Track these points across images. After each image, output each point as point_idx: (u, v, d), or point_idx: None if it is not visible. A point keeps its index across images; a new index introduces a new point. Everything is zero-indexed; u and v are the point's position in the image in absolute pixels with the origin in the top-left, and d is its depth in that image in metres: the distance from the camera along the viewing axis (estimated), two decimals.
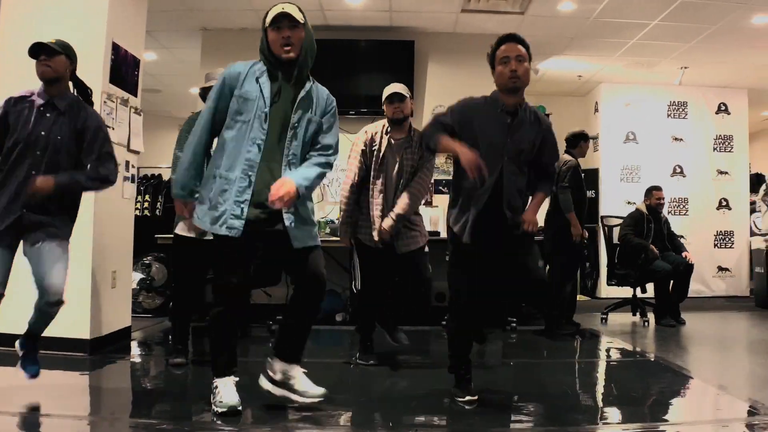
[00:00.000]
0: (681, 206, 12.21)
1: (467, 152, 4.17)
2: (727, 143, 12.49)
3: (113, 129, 6.36)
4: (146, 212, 9.97)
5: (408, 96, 5.71)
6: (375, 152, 5.71)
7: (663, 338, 7.69)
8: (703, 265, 12.00)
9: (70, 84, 4.72)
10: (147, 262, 9.06)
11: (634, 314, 8.98)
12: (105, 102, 6.24)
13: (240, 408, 4.25)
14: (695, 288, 12.00)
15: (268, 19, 4.17)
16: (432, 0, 8.76)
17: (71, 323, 6.04)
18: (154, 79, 11.32)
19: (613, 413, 4.69)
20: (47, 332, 4.74)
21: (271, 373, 4.49)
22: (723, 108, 12.53)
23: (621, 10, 8.81)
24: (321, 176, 4.28)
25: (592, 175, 11.74)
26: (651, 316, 8.73)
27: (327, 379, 5.62)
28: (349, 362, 5.91)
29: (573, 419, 4.42)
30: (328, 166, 4.32)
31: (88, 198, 6.06)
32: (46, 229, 4.44)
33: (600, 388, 5.38)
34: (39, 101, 4.51)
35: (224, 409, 4.21)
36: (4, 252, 4.40)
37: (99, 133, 4.61)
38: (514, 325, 7.83)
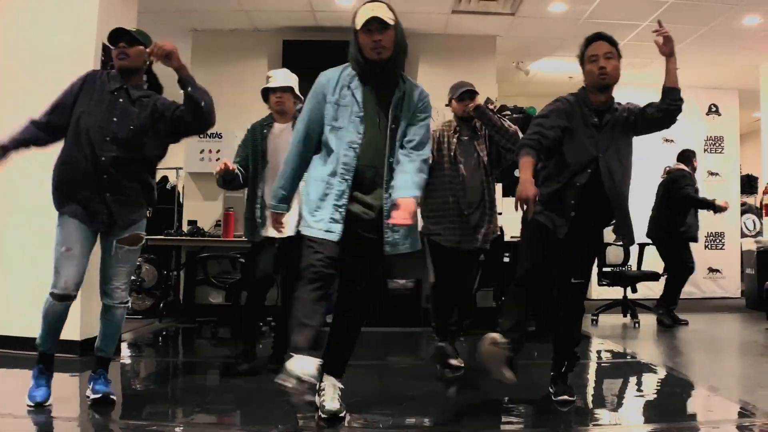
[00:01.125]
0: None
1: (523, 188, 4.20)
2: (717, 144, 12.53)
3: None
4: None
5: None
6: (446, 151, 5.80)
7: (654, 340, 7.73)
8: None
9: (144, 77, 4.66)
10: (137, 263, 9.05)
11: (625, 315, 9.01)
12: None
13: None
14: (686, 289, 11.97)
15: (358, 23, 4.14)
16: (423, 1, 8.77)
17: None
18: None
19: (604, 415, 4.70)
20: (36, 333, 4.71)
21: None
22: (714, 109, 12.58)
23: (612, 11, 8.85)
24: (425, 177, 4.22)
25: None
26: (642, 317, 8.75)
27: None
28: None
29: (563, 421, 4.44)
30: (427, 163, 4.28)
31: None
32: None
33: (591, 390, 5.39)
34: (113, 85, 4.46)
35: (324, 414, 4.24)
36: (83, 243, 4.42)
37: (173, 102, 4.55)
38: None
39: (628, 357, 6.55)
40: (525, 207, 4.20)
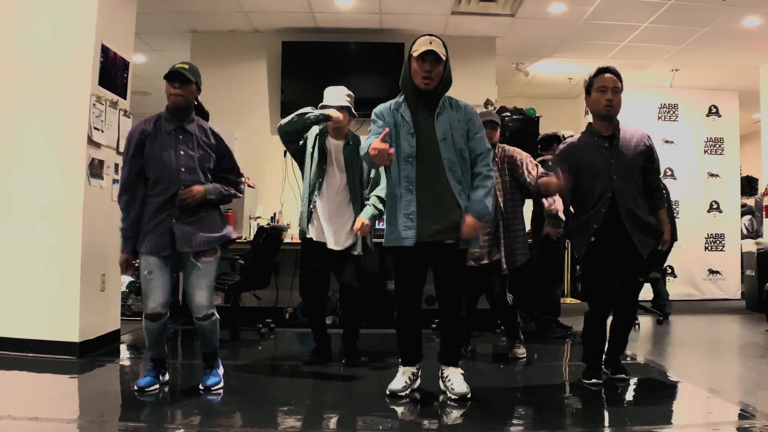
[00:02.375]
0: (673, 209, 12.22)
1: (554, 181, 5.04)
2: (717, 146, 12.52)
3: (102, 132, 6.37)
4: None
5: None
6: None
7: (654, 341, 7.73)
8: (693, 268, 12.08)
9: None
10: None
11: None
12: (94, 104, 6.26)
13: (402, 393, 4.87)
14: (686, 291, 12.07)
15: (416, 51, 4.74)
16: (422, 2, 8.78)
17: (60, 326, 6.07)
18: (144, 81, 11.31)
19: (603, 417, 4.70)
20: (35, 335, 4.75)
21: (440, 374, 4.98)
22: (714, 110, 12.57)
23: (611, 12, 8.85)
24: (490, 189, 4.83)
25: None
26: (642, 319, 8.75)
27: (316, 382, 5.64)
28: (339, 366, 5.93)
29: (562, 423, 4.44)
30: (491, 172, 4.85)
31: (77, 200, 6.09)
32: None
33: (590, 392, 5.39)
34: (169, 126, 4.95)
35: (387, 392, 4.90)
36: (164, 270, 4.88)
37: (228, 150, 5.15)
38: (504, 328, 7.82)
39: (627, 358, 6.54)
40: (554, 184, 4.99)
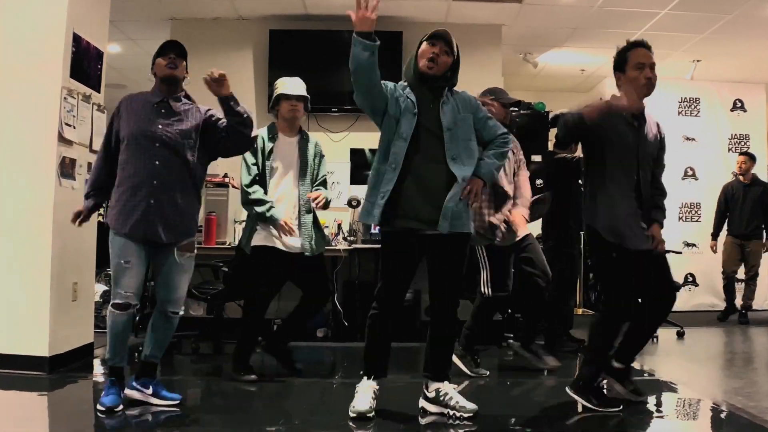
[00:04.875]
0: (693, 211, 12.23)
1: (619, 100, 4.93)
2: (743, 143, 12.51)
3: (74, 128, 6.38)
4: None
5: None
6: None
7: (672, 355, 7.75)
8: (716, 276, 12.01)
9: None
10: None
11: None
12: (65, 98, 6.27)
13: (370, 415, 4.73)
14: (708, 301, 12.04)
15: (427, 37, 4.93)
16: None
17: (28, 339, 6.08)
18: (119, 73, 11.33)
19: None
20: (1, 349, 4.78)
21: (426, 391, 4.95)
22: (739, 105, 12.60)
23: None
24: (502, 164, 5.08)
25: None
26: (660, 332, 8.76)
27: (308, 399, 5.67)
28: (332, 381, 5.95)
29: None
30: (508, 151, 5.10)
31: (46, 203, 6.10)
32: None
33: (605, 414, 5.40)
34: (154, 99, 5.11)
35: (353, 415, 4.73)
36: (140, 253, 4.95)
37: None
38: (511, 341, 7.84)
39: (645, 375, 6.57)
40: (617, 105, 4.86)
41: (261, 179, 6.05)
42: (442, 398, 4.81)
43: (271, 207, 5.90)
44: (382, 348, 4.93)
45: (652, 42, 9.85)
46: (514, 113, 9.14)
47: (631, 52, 5.13)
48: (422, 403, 4.92)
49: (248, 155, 6.01)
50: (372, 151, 9.34)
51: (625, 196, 4.95)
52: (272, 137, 6.10)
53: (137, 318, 8.43)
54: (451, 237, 4.72)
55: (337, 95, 9.48)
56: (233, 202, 8.76)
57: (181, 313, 5.09)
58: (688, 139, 12.23)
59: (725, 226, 11.00)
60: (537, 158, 8.54)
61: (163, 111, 5.03)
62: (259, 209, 5.90)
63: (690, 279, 11.81)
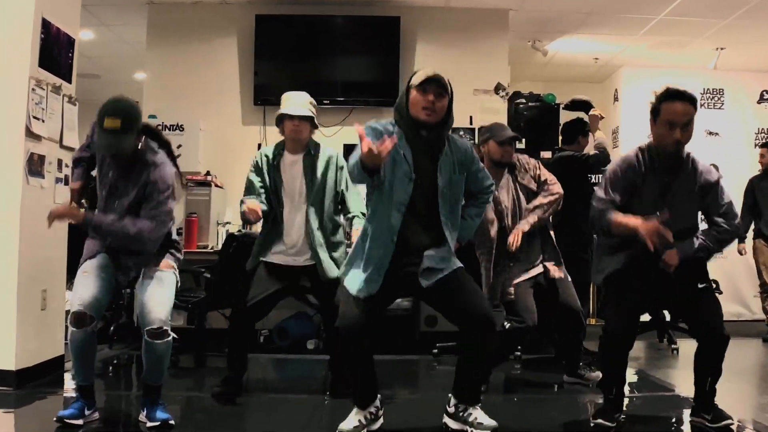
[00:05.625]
0: None
1: (643, 224, 4.67)
2: None
3: (43, 122, 6.38)
4: None
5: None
6: None
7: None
8: (742, 282, 12.00)
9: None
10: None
11: (661, 341, 9.03)
12: (33, 89, 6.26)
13: None
14: (734, 310, 12.00)
15: (415, 80, 4.71)
16: None
17: None
18: (92, 62, 11.33)
19: None
20: None
21: (447, 406, 4.96)
22: (766, 96, 12.60)
23: None
24: (482, 213, 5.35)
25: None
26: (681, 343, 8.77)
27: (299, 416, 5.68)
28: (324, 397, 5.96)
29: None
30: (488, 203, 5.34)
31: (12, 203, 6.09)
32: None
33: (622, 428, 5.42)
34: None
35: None
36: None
37: (155, 188, 4.95)
38: (519, 354, 7.85)
39: (664, 391, 6.58)
40: (658, 239, 4.64)
41: (267, 197, 6.11)
42: (461, 414, 4.85)
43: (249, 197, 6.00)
44: (364, 377, 4.95)
45: (672, 28, 9.89)
46: (521, 105, 9.16)
47: (665, 104, 4.84)
48: (444, 418, 4.97)
49: (251, 174, 6.13)
50: None
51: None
52: (277, 154, 6.13)
53: (112, 328, 8.45)
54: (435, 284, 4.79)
55: (329, 86, 9.50)
56: (216, 202, 8.79)
57: (165, 337, 4.85)
58: (711, 133, 12.22)
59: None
60: (546, 155, 8.55)
61: (110, 173, 5.04)
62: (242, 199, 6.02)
63: (714, 286, 11.77)
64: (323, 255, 5.97)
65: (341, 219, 6.25)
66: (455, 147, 4.88)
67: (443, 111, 4.73)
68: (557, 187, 6.44)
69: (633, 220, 4.71)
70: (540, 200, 6.36)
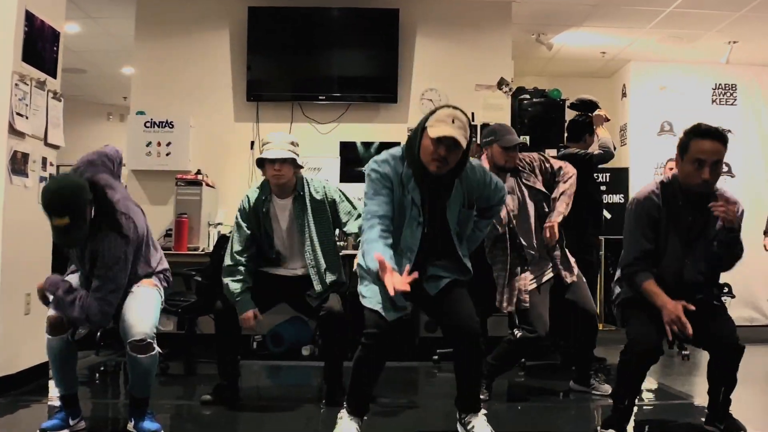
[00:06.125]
0: None
1: (670, 309, 4.70)
2: None
3: (26, 118, 6.38)
4: None
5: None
6: None
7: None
8: (755, 286, 11.98)
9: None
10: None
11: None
12: (16, 85, 6.27)
13: None
14: (746, 315, 12.00)
15: (432, 128, 4.60)
16: None
17: None
18: (78, 56, 11.32)
19: None
20: None
21: (457, 415, 5.02)
22: None
23: None
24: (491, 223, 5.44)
25: (620, 175, 11.60)
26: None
27: (293, 425, 5.67)
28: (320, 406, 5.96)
29: None
30: (498, 213, 5.48)
31: None
32: None
33: None
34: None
35: None
36: None
37: (104, 255, 4.85)
38: (524, 360, 7.84)
39: (674, 399, 6.58)
40: (681, 329, 4.67)
41: (254, 241, 6.17)
42: (465, 423, 4.91)
43: (243, 292, 5.98)
44: (371, 381, 4.95)
45: (682, 21, 9.90)
46: (525, 101, 9.17)
47: (694, 141, 4.81)
48: (458, 425, 5.00)
49: (239, 217, 6.20)
50: (365, 144, 9.36)
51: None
52: (264, 200, 6.16)
53: (98, 334, 8.44)
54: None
55: (325, 81, 9.50)
56: (207, 202, 8.77)
57: (150, 351, 4.83)
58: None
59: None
60: (552, 152, 8.54)
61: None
62: (234, 288, 5.98)
63: (725, 290, 11.78)
64: (321, 274, 6.09)
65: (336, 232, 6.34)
66: (464, 176, 4.85)
67: (455, 161, 4.67)
68: (570, 168, 6.50)
69: (661, 299, 4.77)
70: (562, 187, 6.42)
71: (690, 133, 4.87)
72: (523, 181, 6.37)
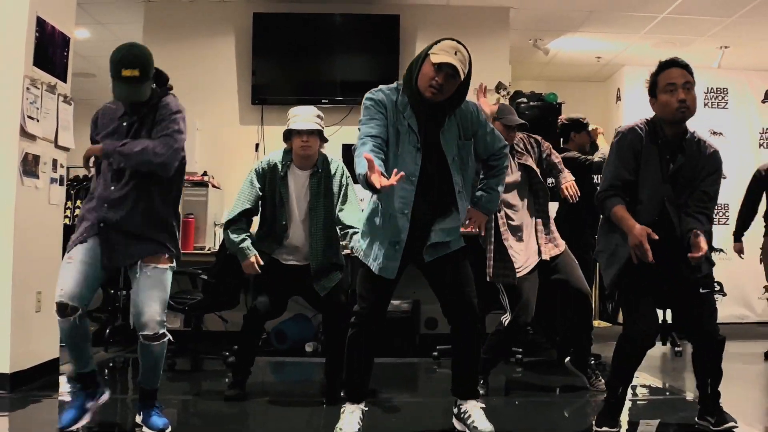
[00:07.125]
0: (721, 214, 12.17)
1: (635, 234, 4.65)
2: None
3: (38, 121, 6.38)
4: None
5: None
6: None
7: None
8: (746, 284, 11.96)
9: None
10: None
11: (664, 343, 9.03)
12: (28, 89, 6.26)
13: None
14: (737, 312, 12.00)
15: (434, 55, 4.60)
16: None
17: None
18: (88, 61, 11.32)
19: None
20: None
21: (454, 408, 5.05)
22: None
23: None
24: (503, 180, 5.16)
25: None
26: (684, 346, 8.76)
27: (296, 421, 5.67)
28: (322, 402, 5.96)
29: None
30: (505, 167, 5.13)
31: (7, 204, 6.09)
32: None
33: None
34: (119, 112, 5.08)
35: None
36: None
37: (166, 112, 4.98)
38: (520, 356, 7.84)
39: (667, 393, 6.58)
40: (642, 252, 4.60)
41: (264, 205, 6.22)
42: (462, 415, 4.91)
43: (244, 240, 6.04)
44: (366, 365, 4.96)
45: (675, 26, 9.91)
46: (522, 105, 9.17)
47: (661, 75, 4.95)
48: (453, 420, 5.03)
49: (253, 176, 6.18)
50: None
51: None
52: (285, 165, 6.17)
53: (107, 331, 8.45)
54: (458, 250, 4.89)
55: (327, 85, 9.50)
56: (213, 203, 8.77)
57: (161, 339, 4.86)
58: (714, 133, 12.17)
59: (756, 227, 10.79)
60: None
61: (124, 125, 5.03)
62: (234, 238, 6.04)
63: (717, 288, 11.76)
64: (324, 263, 6.11)
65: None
66: (459, 111, 4.83)
67: (451, 91, 4.65)
68: (546, 142, 6.76)
69: (628, 223, 4.72)
70: (556, 158, 6.72)
71: (653, 72, 5.02)
72: (517, 160, 6.41)
